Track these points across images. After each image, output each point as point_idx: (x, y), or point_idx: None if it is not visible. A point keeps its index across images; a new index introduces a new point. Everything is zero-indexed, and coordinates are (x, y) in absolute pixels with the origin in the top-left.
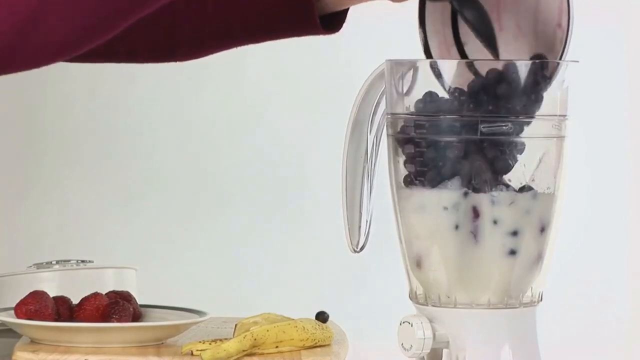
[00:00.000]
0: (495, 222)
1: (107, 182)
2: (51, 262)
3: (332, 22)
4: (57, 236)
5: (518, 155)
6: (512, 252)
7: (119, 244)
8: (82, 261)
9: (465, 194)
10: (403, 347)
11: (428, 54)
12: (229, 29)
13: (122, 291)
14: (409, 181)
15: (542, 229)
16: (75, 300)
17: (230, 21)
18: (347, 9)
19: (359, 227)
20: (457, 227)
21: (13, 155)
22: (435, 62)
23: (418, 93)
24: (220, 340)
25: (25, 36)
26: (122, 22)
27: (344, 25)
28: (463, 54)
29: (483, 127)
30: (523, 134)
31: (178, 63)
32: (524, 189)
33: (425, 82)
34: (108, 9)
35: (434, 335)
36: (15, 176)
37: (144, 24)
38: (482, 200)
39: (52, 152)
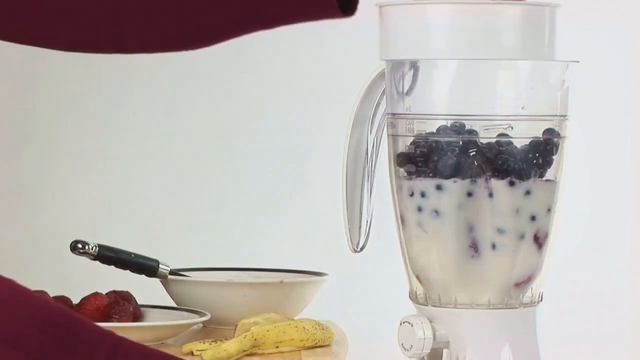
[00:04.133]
0: (496, 223)
1: (105, 182)
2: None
3: (347, 4)
4: (57, 236)
5: (519, 156)
6: (514, 253)
7: (118, 244)
8: None
9: (466, 194)
10: (403, 347)
11: None
12: (243, 14)
13: (122, 291)
14: (409, 181)
15: (543, 230)
16: (75, 300)
17: (244, 5)
18: None
19: (359, 227)
20: (457, 227)
21: (11, 155)
22: None
23: (418, 93)
24: (221, 340)
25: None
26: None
27: (344, 25)
28: None
29: (483, 128)
30: (523, 134)
31: (177, 62)
32: (524, 189)
33: (425, 82)
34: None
35: (434, 335)
36: (13, 176)
37: (154, 14)
38: (483, 201)
39: (50, 153)
